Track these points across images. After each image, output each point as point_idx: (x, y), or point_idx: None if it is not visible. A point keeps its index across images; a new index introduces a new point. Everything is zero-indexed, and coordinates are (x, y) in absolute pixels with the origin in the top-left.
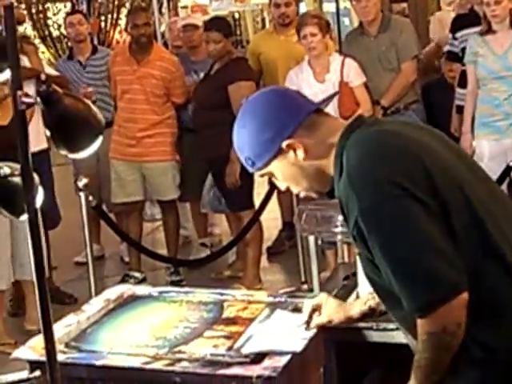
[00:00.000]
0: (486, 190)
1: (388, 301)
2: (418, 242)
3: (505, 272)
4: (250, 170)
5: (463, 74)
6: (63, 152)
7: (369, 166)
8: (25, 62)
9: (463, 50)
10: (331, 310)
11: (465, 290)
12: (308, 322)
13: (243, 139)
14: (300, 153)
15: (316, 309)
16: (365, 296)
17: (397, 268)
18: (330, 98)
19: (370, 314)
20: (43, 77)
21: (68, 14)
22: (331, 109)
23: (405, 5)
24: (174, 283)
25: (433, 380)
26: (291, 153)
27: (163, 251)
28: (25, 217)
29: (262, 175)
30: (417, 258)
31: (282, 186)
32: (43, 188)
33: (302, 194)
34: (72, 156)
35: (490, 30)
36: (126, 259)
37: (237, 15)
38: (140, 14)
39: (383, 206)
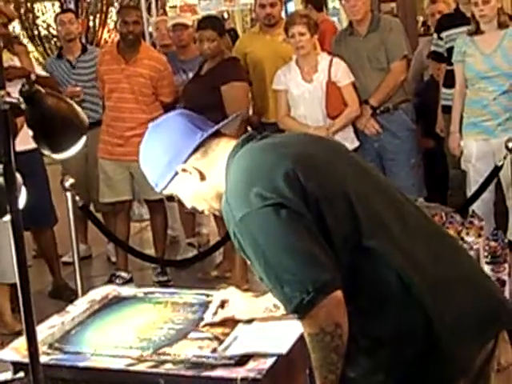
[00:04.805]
0: (379, 195)
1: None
2: (283, 247)
3: (385, 270)
4: (156, 189)
5: (448, 74)
6: (46, 152)
7: (241, 182)
8: (15, 62)
9: (448, 50)
10: (236, 304)
11: (336, 289)
12: (215, 314)
13: (145, 162)
14: (194, 176)
15: (224, 301)
16: None
17: (267, 274)
18: (233, 120)
19: (274, 311)
20: (33, 77)
21: (59, 13)
22: (319, 109)
23: (393, 4)
24: (160, 283)
25: (331, 379)
26: (188, 176)
27: (151, 251)
28: (7, 217)
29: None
30: (283, 262)
31: (188, 204)
32: (37, 186)
33: (206, 212)
34: (55, 156)
35: (478, 30)
36: (113, 259)
37: (226, 15)
38: (130, 11)
39: (250, 217)
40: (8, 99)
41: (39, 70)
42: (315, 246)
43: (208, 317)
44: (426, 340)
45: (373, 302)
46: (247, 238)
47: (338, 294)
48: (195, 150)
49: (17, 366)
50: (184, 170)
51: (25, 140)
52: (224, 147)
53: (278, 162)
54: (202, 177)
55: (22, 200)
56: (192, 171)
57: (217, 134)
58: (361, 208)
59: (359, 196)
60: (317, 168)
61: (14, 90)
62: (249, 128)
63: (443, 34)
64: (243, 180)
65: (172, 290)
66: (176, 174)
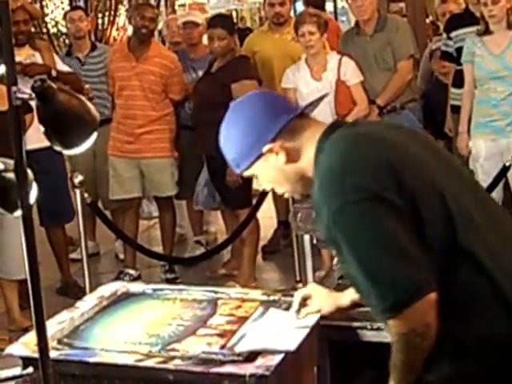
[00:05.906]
0: (467, 191)
1: (366, 299)
2: (382, 244)
3: (476, 271)
4: (236, 171)
5: (457, 74)
6: (58, 148)
7: (336, 170)
8: (37, 57)
9: (458, 49)
10: (321, 299)
11: (432, 290)
12: (298, 311)
13: (228, 142)
14: (281, 157)
15: (306, 298)
16: None
17: (363, 271)
18: (316, 102)
19: (360, 304)
20: (54, 73)
21: (69, 10)
22: (327, 107)
23: (402, 4)
24: (168, 281)
25: (408, 380)
26: (273, 156)
27: (159, 249)
28: (18, 213)
29: (248, 176)
30: (381, 260)
31: (267, 186)
32: (57, 182)
33: (286, 195)
34: (66, 152)
35: (487, 31)
36: (121, 256)
37: (235, 13)
38: (148, 8)
39: (349, 210)
40: (20, 95)
41: (62, 65)
42: (411, 243)
43: (292, 315)
44: None
45: (461, 304)
46: (340, 232)
47: (433, 295)
48: (281, 130)
49: (26, 361)
50: (270, 151)
51: (44, 137)
52: (312, 131)
53: (374, 154)
54: (289, 158)
55: (33, 196)
56: (279, 152)
57: (301, 116)
58: (454, 204)
59: (451, 192)
60: (410, 160)
61: None
62: None
63: (452, 34)
64: (338, 169)
65: (181, 286)
66: (261, 154)
